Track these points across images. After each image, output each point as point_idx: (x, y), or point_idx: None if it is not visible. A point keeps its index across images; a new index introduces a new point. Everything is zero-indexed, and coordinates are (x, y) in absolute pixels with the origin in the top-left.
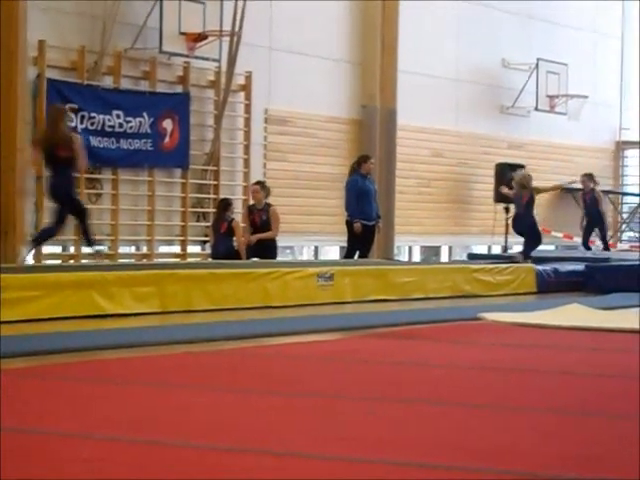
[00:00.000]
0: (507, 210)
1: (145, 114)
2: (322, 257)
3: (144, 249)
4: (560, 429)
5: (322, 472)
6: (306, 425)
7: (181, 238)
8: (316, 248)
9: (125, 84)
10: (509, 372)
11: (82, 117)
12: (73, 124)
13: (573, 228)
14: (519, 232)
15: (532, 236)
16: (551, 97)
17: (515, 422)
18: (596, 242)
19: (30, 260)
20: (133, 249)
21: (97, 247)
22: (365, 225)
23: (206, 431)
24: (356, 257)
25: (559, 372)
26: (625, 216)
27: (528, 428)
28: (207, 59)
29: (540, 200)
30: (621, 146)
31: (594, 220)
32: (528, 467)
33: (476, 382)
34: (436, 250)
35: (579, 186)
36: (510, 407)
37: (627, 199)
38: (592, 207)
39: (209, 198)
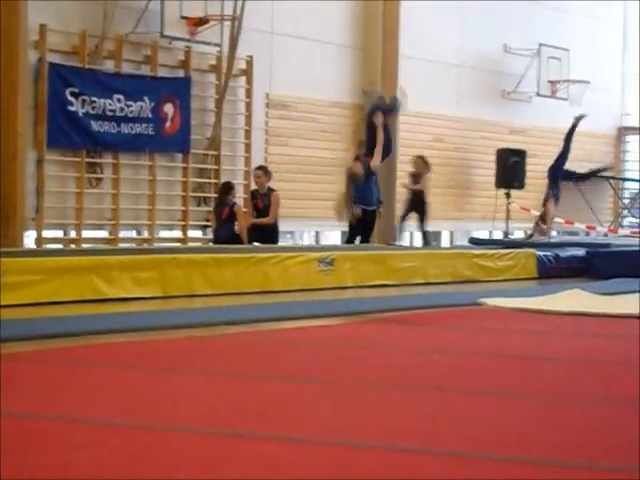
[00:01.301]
0: (508, 195)
1: (146, 98)
2: (323, 242)
3: (145, 233)
4: (561, 415)
5: (323, 457)
6: (306, 410)
7: (182, 223)
8: (317, 233)
9: (126, 68)
10: (510, 358)
11: (83, 101)
12: (74, 108)
13: (575, 214)
14: None
15: None
16: (552, 82)
17: (516, 408)
18: (597, 228)
19: (31, 244)
20: (134, 233)
21: None
22: (365, 210)
23: (206, 416)
24: (357, 242)
25: (559, 358)
26: (626, 202)
27: (529, 414)
28: (208, 44)
29: (540, 187)
30: (622, 132)
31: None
32: (530, 453)
33: (476, 368)
34: (437, 235)
35: None
36: (511, 393)
37: (628, 185)
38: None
39: (210, 183)
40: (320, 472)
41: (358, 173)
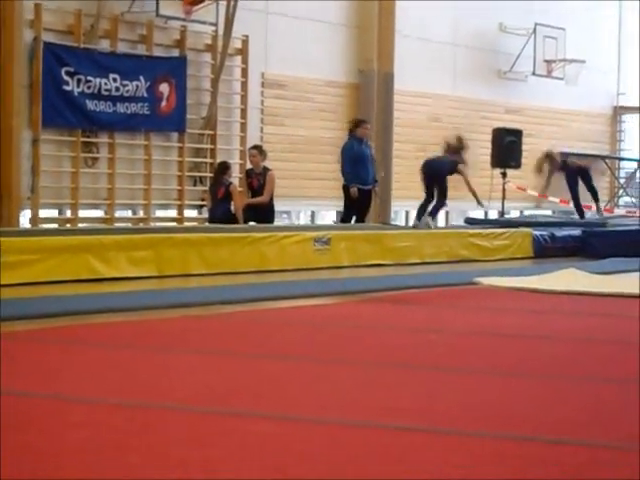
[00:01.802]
0: (504, 175)
1: (142, 78)
2: (319, 222)
3: (141, 213)
4: (558, 393)
5: (319, 436)
6: (302, 389)
7: (178, 202)
8: (313, 213)
9: (122, 48)
10: (506, 337)
11: (78, 81)
12: (69, 88)
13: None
14: None
15: None
16: (548, 62)
17: (513, 387)
18: (592, 207)
19: (27, 224)
20: (130, 213)
21: None
22: (361, 190)
23: (203, 395)
24: (353, 222)
25: (556, 337)
26: (622, 181)
27: (526, 393)
28: (204, 23)
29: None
30: (618, 111)
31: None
32: (527, 431)
33: (472, 347)
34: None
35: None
36: (507, 372)
37: (624, 164)
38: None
39: (206, 162)
40: (316, 450)
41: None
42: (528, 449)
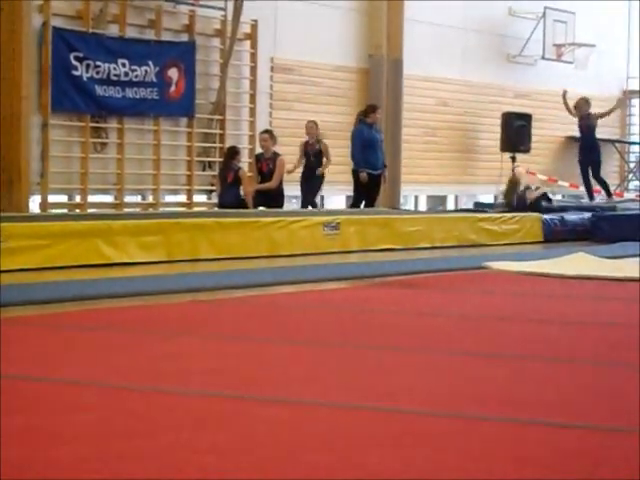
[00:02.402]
0: (514, 159)
1: (150, 63)
2: (328, 206)
3: (150, 198)
4: (564, 376)
5: (326, 419)
6: (314, 373)
7: (187, 187)
8: (322, 197)
9: (130, 33)
10: (514, 321)
11: (87, 66)
12: (79, 73)
13: (580, 178)
14: None
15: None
16: (558, 46)
17: (519, 370)
18: (602, 192)
19: (36, 209)
20: (139, 198)
21: None
22: (371, 174)
23: (210, 379)
24: (362, 206)
25: (564, 321)
26: (632, 165)
27: (532, 376)
28: (213, 7)
29: (545, 151)
30: (628, 95)
31: (587, 150)
32: (531, 414)
33: (481, 331)
34: (442, 199)
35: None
36: (514, 355)
37: (634, 148)
38: (588, 134)
39: (215, 147)
40: (323, 434)
41: None
42: (531, 431)
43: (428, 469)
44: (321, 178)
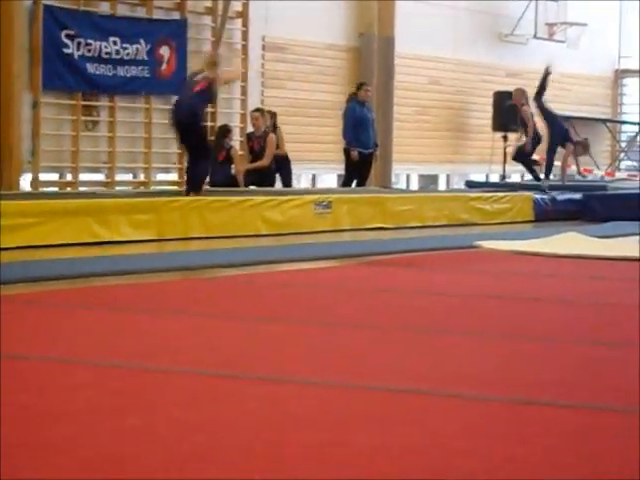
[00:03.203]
0: (505, 138)
1: (142, 41)
2: (320, 185)
3: (141, 177)
4: (560, 356)
5: (319, 397)
6: (303, 352)
7: (178, 166)
8: (314, 176)
9: (122, 10)
10: (505, 300)
11: (78, 44)
12: (70, 51)
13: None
14: None
15: None
16: (550, 25)
17: (514, 349)
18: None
19: (27, 187)
20: (130, 177)
21: None
22: (362, 153)
23: (203, 357)
24: (354, 185)
25: (556, 300)
26: (623, 145)
27: (527, 356)
28: None
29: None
30: (620, 74)
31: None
32: (529, 394)
33: (473, 310)
34: (434, 178)
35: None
36: (508, 334)
37: (625, 128)
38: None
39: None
40: (315, 412)
41: None
42: (529, 411)
43: (421, 447)
44: (286, 162)
